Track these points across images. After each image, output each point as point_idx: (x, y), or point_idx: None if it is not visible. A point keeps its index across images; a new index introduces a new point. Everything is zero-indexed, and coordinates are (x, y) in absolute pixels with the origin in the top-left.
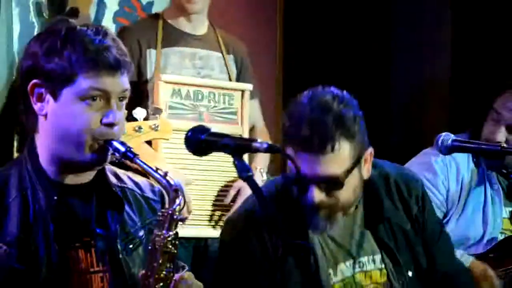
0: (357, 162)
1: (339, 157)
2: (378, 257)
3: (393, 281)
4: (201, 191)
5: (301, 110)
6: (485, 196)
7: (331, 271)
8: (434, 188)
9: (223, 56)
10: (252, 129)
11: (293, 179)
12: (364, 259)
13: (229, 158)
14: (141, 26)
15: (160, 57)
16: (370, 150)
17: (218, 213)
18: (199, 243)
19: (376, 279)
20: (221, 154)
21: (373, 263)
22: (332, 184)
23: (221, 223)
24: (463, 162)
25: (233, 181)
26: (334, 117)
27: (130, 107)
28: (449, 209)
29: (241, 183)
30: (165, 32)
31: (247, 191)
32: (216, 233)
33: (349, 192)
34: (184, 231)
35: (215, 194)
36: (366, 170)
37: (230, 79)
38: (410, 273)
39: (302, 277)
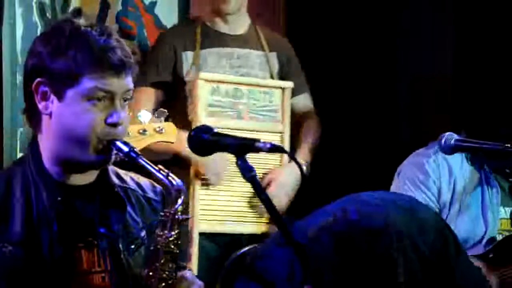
0: None
1: None
2: None
3: None
4: (234, 187)
5: None
6: (483, 197)
7: None
8: (426, 189)
9: (266, 54)
10: (305, 115)
11: None
12: None
13: (263, 153)
14: (177, 30)
15: (198, 59)
16: None
17: (251, 209)
18: (231, 239)
19: None
20: None
21: None
22: None
23: (254, 219)
24: (456, 163)
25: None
26: None
27: (167, 109)
28: (441, 210)
29: (274, 174)
30: (202, 34)
31: (281, 179)
32: (248, 229)
33: None
34: (217, 227)
35: (249, 190)
36: None
37: (272, 77)
38: None
39: None
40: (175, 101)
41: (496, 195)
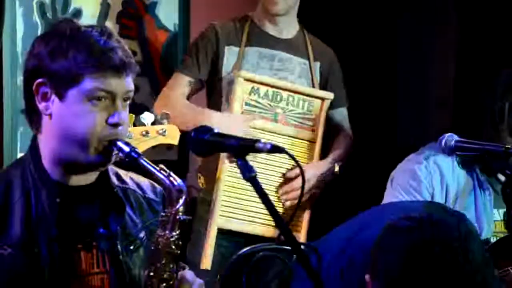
0: None
1: None
2: None
3: None
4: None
5: None
6: (476, 200)
7: None
8: (419, 195)
9: (309, 63)
10: (339, 128)
11: None
12: None
13: (286, 155)
14: (226, 24)
15: (241, 56)
16: None
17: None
18: (251, 240)
19: None
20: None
21: None
22: None
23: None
24: (448, 168)
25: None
26: None
27: (202, 103)
28: None
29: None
30: (249, 32)
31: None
32: (270, 231)
33: None
34: (239, 226)
35: (273, 192)
36: None
37: (312, 86)
38: None
39: None
40: (210, 96)
41: (489, 197)
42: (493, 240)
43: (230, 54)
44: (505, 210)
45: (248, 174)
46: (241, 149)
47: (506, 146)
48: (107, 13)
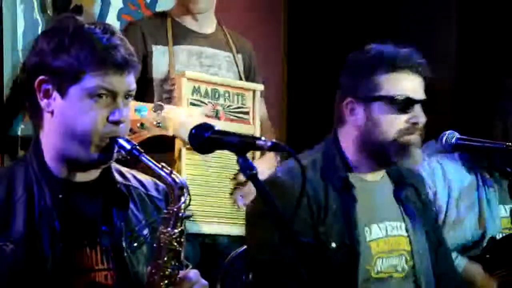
0: None
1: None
2: (403, 225)
3: (415, 250)
4: (210, 187)
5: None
6: (481, 198)
7: (367, 229)
8: None
9: (233, 56)
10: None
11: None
12: (394, 224)
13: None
14: (148, 22)
15: (172, 55)
16: None
17: (226, 209)
18: (207, 240)
19: (403, 246)
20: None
21: (400, 230)
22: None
23: (229, 219)
24: (450, 166)
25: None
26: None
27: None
28: (438, 213)
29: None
30: (173, 30)
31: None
32: (224, 229)
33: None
34: (193, 227)
35: (224, 190)
36: None
37: (241, 78)
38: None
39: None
40: (139, 96)
41: (494, 194)
42: (499, 237)
43: (158, 53)
44: (511, 206)
45: (249, 172)
46: (242, 146)
47: (507, 143)
48: (108, 9)
